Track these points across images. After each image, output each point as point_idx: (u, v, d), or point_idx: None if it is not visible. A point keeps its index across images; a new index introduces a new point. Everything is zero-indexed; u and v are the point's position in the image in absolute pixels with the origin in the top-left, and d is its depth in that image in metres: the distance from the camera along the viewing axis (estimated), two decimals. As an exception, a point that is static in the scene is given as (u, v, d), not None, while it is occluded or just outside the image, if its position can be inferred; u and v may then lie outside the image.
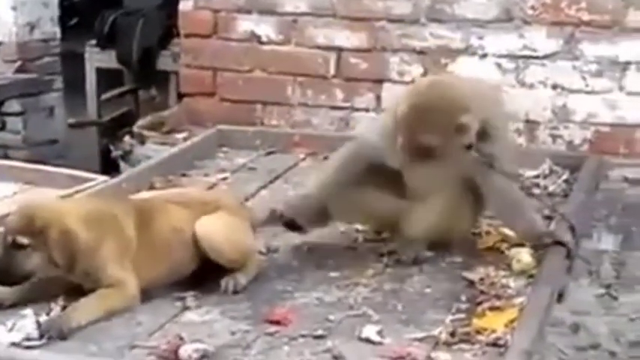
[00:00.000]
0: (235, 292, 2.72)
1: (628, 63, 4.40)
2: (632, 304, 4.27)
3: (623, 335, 4.13)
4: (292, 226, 3.07)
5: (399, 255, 2.99)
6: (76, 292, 2.58)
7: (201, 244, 2.73)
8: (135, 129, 4.92)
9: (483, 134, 2.92)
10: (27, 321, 2.45)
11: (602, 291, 4.29)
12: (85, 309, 2.50)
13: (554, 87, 4.47)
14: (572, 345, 4.09)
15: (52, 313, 2.50)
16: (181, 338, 2.40)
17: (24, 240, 2.51)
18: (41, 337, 2.41)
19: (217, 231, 2.75)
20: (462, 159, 2.92)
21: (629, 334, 4.13)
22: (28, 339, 2.41)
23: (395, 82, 4.60)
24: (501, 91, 4.27)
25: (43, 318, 2.47)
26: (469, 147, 2.89)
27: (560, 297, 2.96)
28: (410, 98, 2.91)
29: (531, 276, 2.84)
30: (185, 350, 2.34)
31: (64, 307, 2.53)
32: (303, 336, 2.48)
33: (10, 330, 2.44)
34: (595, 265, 4.30)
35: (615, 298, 4.27)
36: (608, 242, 4.31)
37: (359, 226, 3.22)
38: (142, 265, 2.64)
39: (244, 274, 2.77)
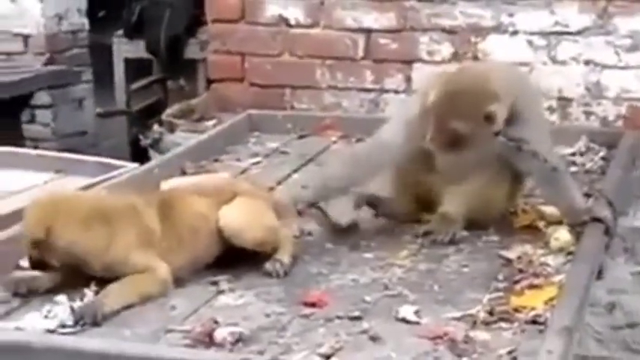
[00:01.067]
0: (285, 274, 2.71)
1: (662, 37, 4.32)
2: (669, 281, 4.20)
3: (660, 314, 4.07)
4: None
5: (435, 235, 2.96)
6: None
7: (224, 234, 2.72)
8: (164, 117, 4.89)
9: (511, 118, 2.90)
10: (61, 307, 2.46)
11: (639, 269, 4.22)
12: (117, 294, 2.49)
13: (587, 63, 4.40)
14: (607, 324, 4.03)
15: (86, 299, 2.49)
16: (216, 322, 2.38)
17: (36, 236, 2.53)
18: (75, 323, 2.41)
19: (236, 218, 2.74)
20: (492, 145, 2.91)
21: (665, 313, 4.07)
22: (62, 326, 2.40)
23: (425, 62, 4.54)
24: (529, 77, 4.19)
25: (77, 304, 2.46)
26: (497, 134, 2.88)
27: (600, 274, 2.92)
28: (439, 87, 2.89)
29: (570, 253, 2.80)
30: (220, 333, 2.33)
31: (96, 292, 2.51)
32: (339, 317, 2.46)
33: (46, 317, 2.44)
34: (631, 243, 4.23)
35: (652, 276, 4.20)
36: (644, 219, 4.24)
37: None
38: (168, 253, 2.63)
39: (284, 254, 2.76)
